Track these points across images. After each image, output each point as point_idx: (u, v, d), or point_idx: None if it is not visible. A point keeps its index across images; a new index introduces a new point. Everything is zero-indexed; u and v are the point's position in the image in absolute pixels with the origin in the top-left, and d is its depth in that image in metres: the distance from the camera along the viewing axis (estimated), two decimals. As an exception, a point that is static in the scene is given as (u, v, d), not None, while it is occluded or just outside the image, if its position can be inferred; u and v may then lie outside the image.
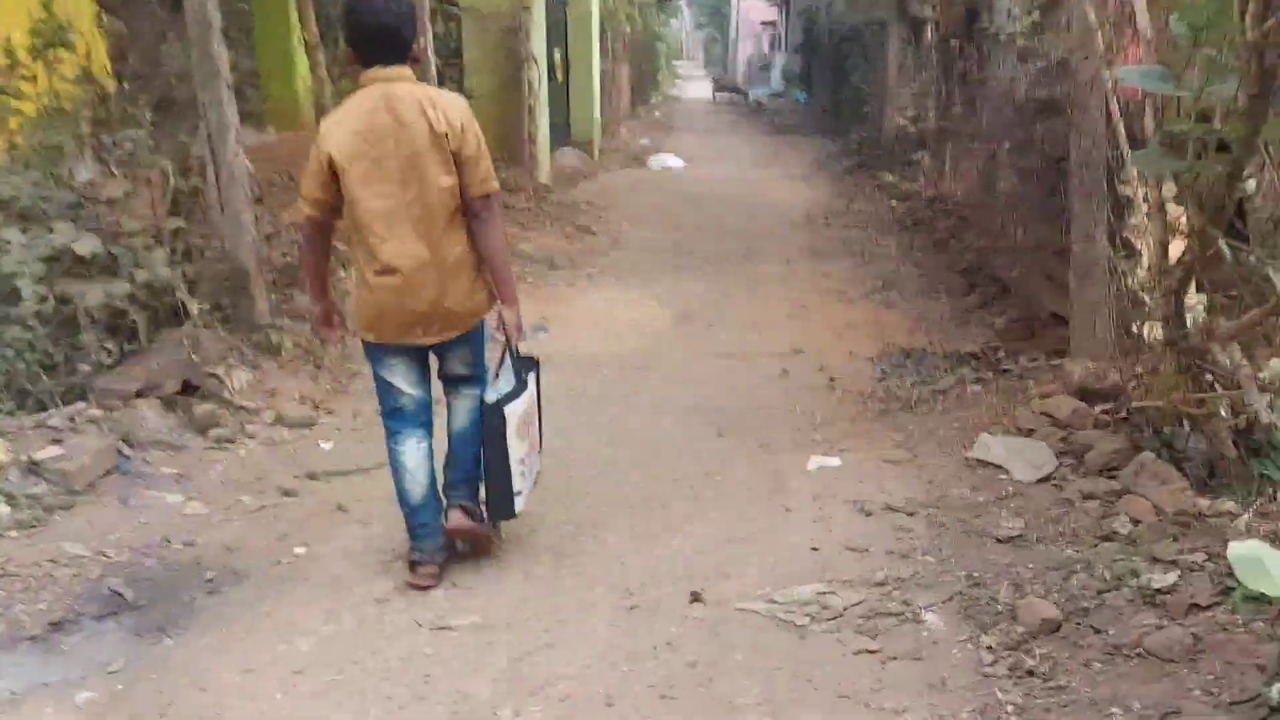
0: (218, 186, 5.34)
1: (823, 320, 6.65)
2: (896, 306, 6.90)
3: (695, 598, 3.24)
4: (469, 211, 3.12)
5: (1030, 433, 4.14)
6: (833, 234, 9.72)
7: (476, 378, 3.40)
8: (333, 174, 3.04)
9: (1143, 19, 3.43)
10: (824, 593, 3.22)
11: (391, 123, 3.00)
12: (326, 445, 4.61)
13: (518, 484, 3.34)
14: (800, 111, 24.91)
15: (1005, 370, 4.93)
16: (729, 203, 11.74)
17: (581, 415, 4.93)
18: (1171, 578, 2.93)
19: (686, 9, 70.72)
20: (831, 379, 5.36)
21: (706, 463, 4.35)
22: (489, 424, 3.27)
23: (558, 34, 13.79)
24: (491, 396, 3.29)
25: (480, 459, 3.36)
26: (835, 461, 4.30)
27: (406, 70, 3.09)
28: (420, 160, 3.01)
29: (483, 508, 3.44)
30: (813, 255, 8.76)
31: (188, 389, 4.80)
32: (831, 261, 8.45)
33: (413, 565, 3.35)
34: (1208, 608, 2.79)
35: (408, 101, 3.01)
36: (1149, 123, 3.45)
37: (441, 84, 10.90)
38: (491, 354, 3.46)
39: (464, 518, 3.36)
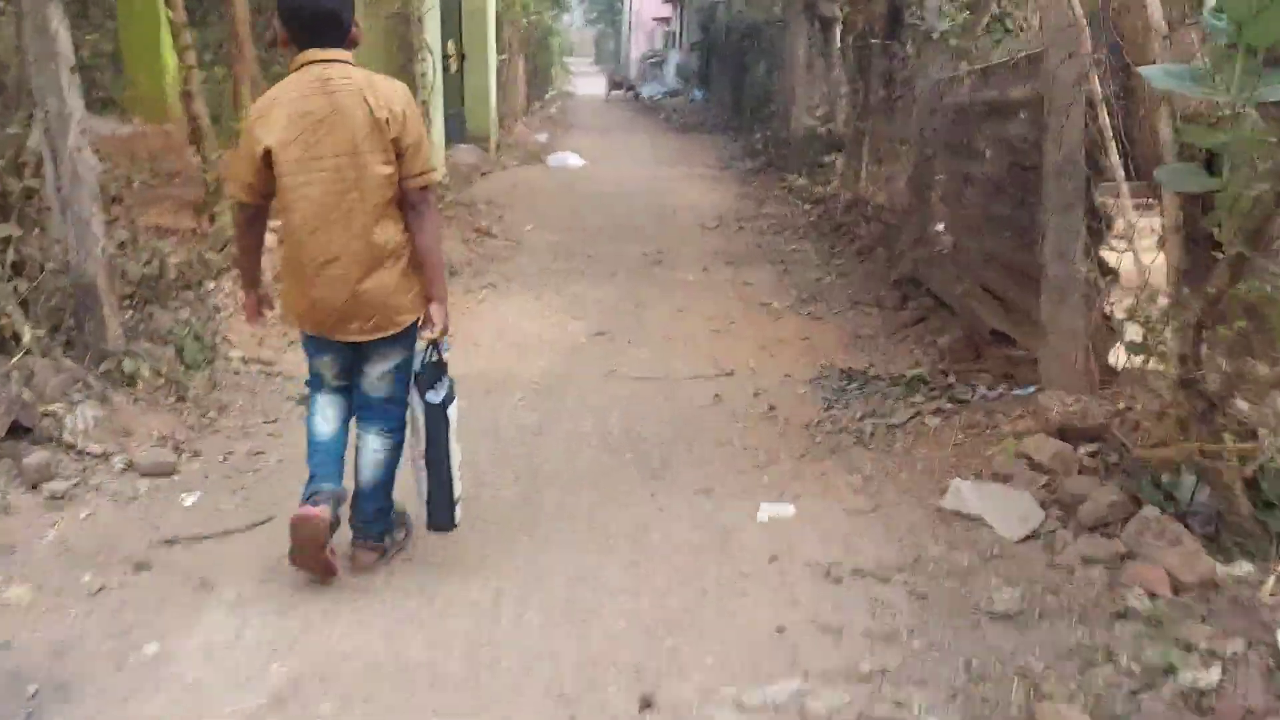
0: (57, 186, 4.52)
1: (750, 336, 6.15)
2: (826, 320, 6.44)
3: (646, 704, 2.66)
4: (406, 202, 3.02)
5: (1008, 479, 3.68)
6: (747, 239, 9.26)
7: (392, 405, 3.26)
8: (265, 159, 2.92)
9: (1155, 12, 2.99)
10: (802, 692, 2.67)
11: (327, 108, 2.88)
12: (189, 499, 3.87)
13: (459, 489, 3.28)
14: (699, 110, 24.51)
15: (962, 400, 4.47)
16: (636, 204, 11.19)
17: (491, 450, 4.31)
18: (1215, 674, 2.49)
19: (577, 4, 70.16)
20: (771, 406, 4.84)
21: (639, 513, 3.78)
22: (432, 426, 3.17)
23: (451, 24, 13.02)
24: (434, 398, 3.17)
25: (385, 510, 3.31)
26: (788, 510, 3.77)
27: (344, 53, 2.98)
28: (357, 148, 2.90)
29: (386, 539, 3.35)
30: (729, 262, 8.27)
31: (17, 432, 4.00)
32: (750, 269, 7.97)
33: (304, 499, 3.14)
34: (1265, 716, 2.34)
35: (345, 86, 2.89)
36: (1164, 130, 3.01)
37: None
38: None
39: (368, 559, 3.30)
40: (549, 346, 5.89)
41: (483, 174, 12.65)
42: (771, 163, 13.61)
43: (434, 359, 3.18)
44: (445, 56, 12.19)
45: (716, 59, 24.59)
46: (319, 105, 2.89)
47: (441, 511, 3.30)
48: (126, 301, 5.02)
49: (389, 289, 3.03)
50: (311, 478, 3.19)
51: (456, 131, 13.26)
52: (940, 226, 6.05)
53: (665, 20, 41.86)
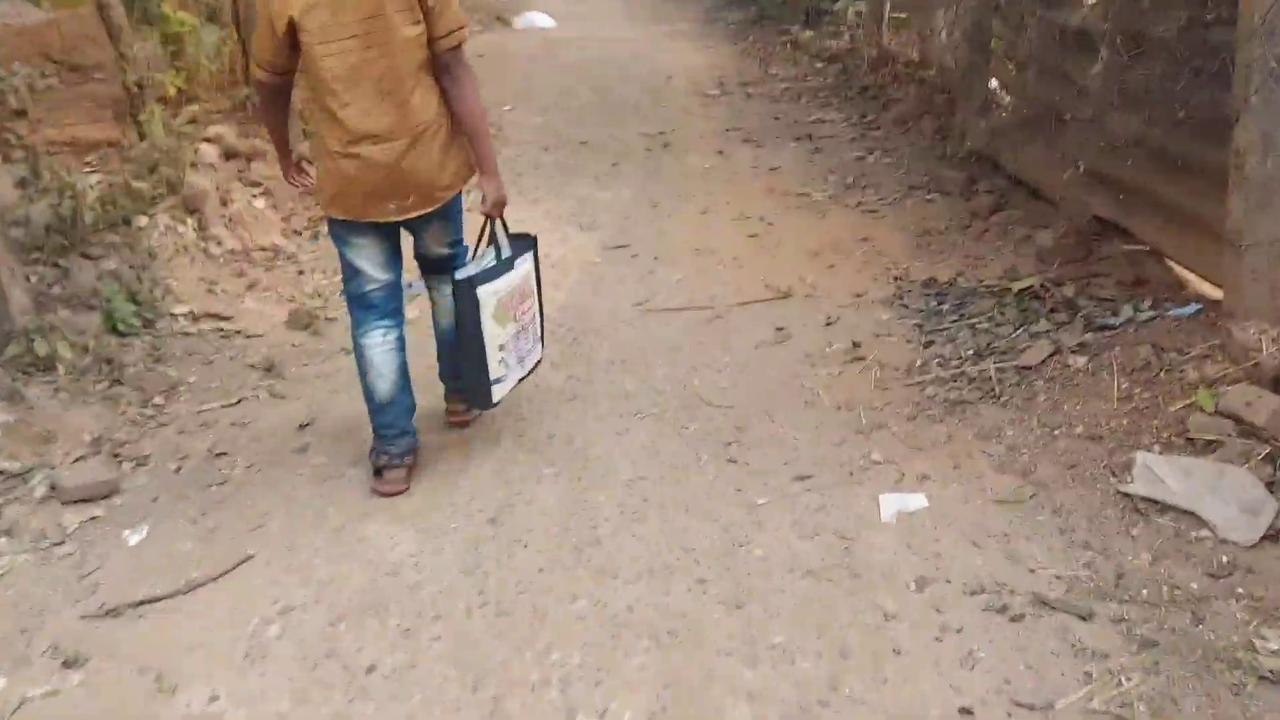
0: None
1: (795, 240, 5.17)
2: (881, 213, 5.45)
3: None
4: (438, 66, 2.85)
5: (1212, 447, 2.81)
6: (759, 109, 8.12)
7: (458, 256, 3.16)
8: (288, 30, 2.74)
9: None
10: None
11: None
12: (135, 536, 2.95)
13: (495, 370, 3.09)
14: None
15: (1108, 327, 3.55)
16: (623, 71, 9.94)
17: (513, 434, 3.39)
18: None
19: None
20: (854, 343, 3.91)
21: (726, 518, 2.90)
22: (460, 303, 2.99)
23: None
24: (464, 273, 2.99)
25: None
26: (919, 502, 2.90)
27: None
28: (383, 8, 2.71)
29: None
30: (747, 140, 7.18)
31: (-105, 460, 3.05)
32: (773, 149, 6.90)
33: (378, 471, 3.08)
34: None
35: None
36: None
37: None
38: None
39: (460, 410, 3.37)
40: (560, 271, 4.89)
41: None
42: (765, 13, 12.26)
43: (497, 233, 3.04)
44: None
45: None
46: None
47: (477, 391, 3.14)
48: (34, 257, 3.98)
49: (429, 164, 2.86)
50: (380, 436, 3.07)
51: None
52: (1006, 92, 5.00)
53: None
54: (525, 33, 12.50)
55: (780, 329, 4.13)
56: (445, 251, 3.13)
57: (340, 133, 2.80)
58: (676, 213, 5.74)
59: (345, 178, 2.84)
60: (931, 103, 6.55)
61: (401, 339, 3.10)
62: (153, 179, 4.83)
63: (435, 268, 3.17)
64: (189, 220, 4.82)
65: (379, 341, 3.04)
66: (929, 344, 3.78)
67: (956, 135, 5.86)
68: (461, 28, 2.84)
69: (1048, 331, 3.62)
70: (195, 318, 4.26)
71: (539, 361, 3.37)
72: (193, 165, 5.10)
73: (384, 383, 3.04)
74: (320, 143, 2.89)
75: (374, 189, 2.84)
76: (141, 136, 5.24)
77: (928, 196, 5.56)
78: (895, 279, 4.52)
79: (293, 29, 2.73)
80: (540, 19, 13.10)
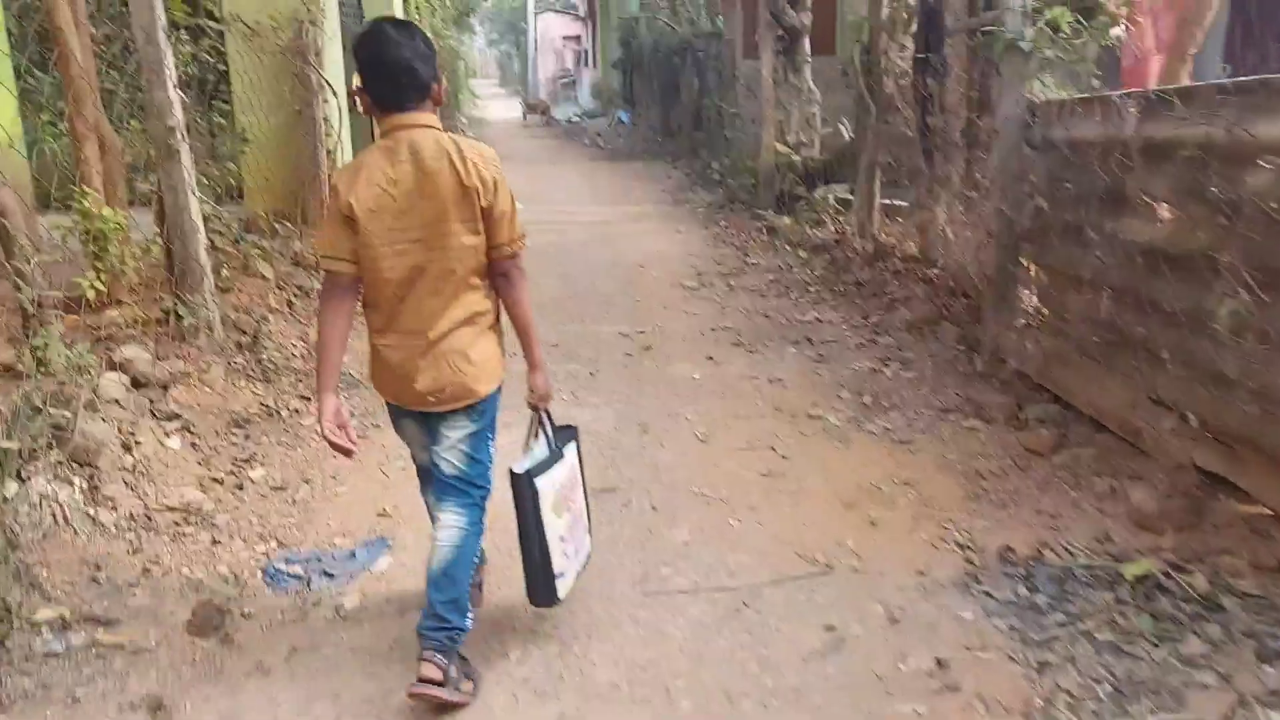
0: None
1: (821, 483, 4.31)
2: (916, 445, 4.62)
3: None
4: (496, 271, 2.87)
5: None
6: (745, 304, 7.44)
7: (465, 483, 2.96)
8: (352, 226, 2.74)
9: None
10: None
11: (416, 174, 2.71)
12: None
13: (559, 564, 3.01)
14: (627, 134, 22.77)
15: (1281, 651, 2.68)
16: (591, 259, 9.34)
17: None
18: None
19: (478, 26, 68.22)
20: (939, 662, 2.97)
21: None
22: (519, 496, 2.96)
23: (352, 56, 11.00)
24: (520, 466, 2.94)
25: (459, 602, 2.85)
26: None
27: (430, 115, 2.78)
28: (445, 216, 2.74)
29: (451, 671, 2.80)
30: (737, 344, 6.44)
31: None
32: (770, 355, 6.16)
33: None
34: None
35: (433, 151, 2.72)
36: None
37: (211, 127, 8.01)
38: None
39: (433, 673, 2.76)
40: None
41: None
42: (735, 197, 11.87)
43: (545, 425, 3.05)
44: (350, 95, 10.22)
45: (641, 78, 22.90)
46: (407, 174, 2.72)
47: (541, 588, 3.06)
48: None
49: (469, 360, 2.85)
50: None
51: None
52: (1049, 305, 4.30)
53: (575, 39, 40.22)
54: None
55: (831, 628, 3.20)
56: (464, 468, 2.96)
57: (388, 324, 2.85)
58: (670, 440, 4.89)
59: (388, 364, 2.88)
60: (948, 307, 5.87)
61: (476, 524, 3.03)
62: (34, 426, 3.89)
63: (442, 488, 2.99)
64: (76, 479, 3.86)
65: (443, 525, 2.98)
66: (1042, 667, 2.86)
67: (988, 349, 5.14)
68: (522, 237, 2.88)
69: (1204, 656, 2.73)
70: (65, 625, 3.23)
71: (589, 555, 3.35)
72: (90, 405, 4.19)
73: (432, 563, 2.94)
74: (371, 334, 2.93)
75: (416, 379, 2.84)
76: (40, 364, 4.32)
77: (966, 423, 4.76)
78: (960, 546, 3.65)
79: (354, 225, 2.74)
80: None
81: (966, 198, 5.63)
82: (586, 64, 36.86)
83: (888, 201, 7.85)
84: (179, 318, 5.32)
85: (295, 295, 6.88)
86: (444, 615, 2.80)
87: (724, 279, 8.27)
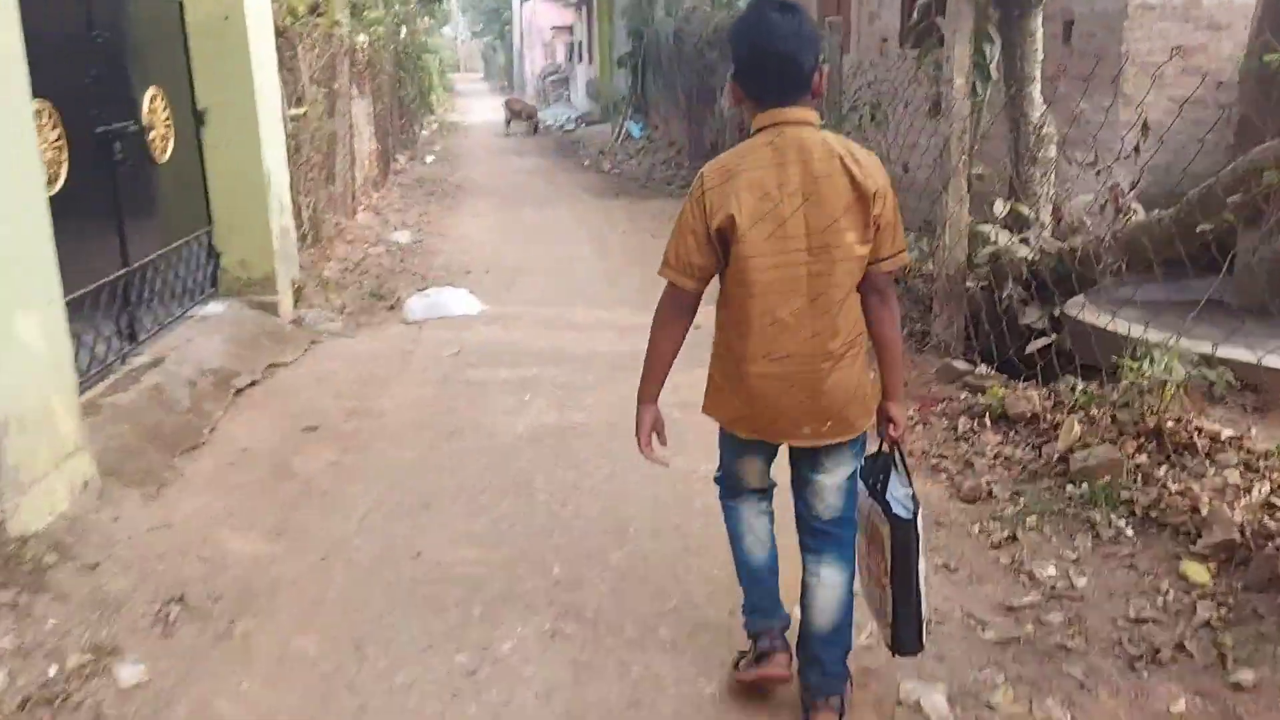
0: None
1: None
2: None
3: None
4: (873, 287, 2.52)
5: None
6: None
7: (849, 527, 2.66)
8: (720, 235, 2.44)
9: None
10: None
11: (806, 178, 2.40)
12: None
13: (926, 611, 2.65)
14: (640, 153, 17.41)
15: None
16: (604, 482, 4.15)
17: None
18: None
19: (460, 15, 62.86)
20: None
21: None
22: (900, 544, 2.55)
23: (162, 60, 5.85)
24: (901, 511, 2.56)
25: (848, 651, 2.68)
26: None
27: (812, 111, 2.47)
28: (837, 224, 2.41)
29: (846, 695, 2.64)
30: None
31: None
32: None
33: (759, 656, 2.70)
34: None
35: (822, 151, 2.41)
36: None
37: None
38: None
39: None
40: None
41: (252, 381, 5.51)
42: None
43: (896, 463, 2.65)
44: (141, 128, 5.08)
45: (657, 79, 17.62)
46: (795, 176, 2.40)
47: (908, 637, 2.61)
48: None
49: (851, 387, 2.52)
50: (754, 611, 2.75)
51: (192, 277, 6.13)
52: None
53: (567, 29, 34.88)
54: (423, 338, 6.73)
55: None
56: (844, 509, 2.63)
57: (763, 348, 2.48)
58: None
59: (759, 396, 2.51)
60: None
61: (772, 514, 2.79)
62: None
63: (821, 538, 2.63)
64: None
65: (751, 514, 2.75)
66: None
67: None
68: (905, 250, 2.53)
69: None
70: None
71: None
72: None
73: (760, 549, 2.74)
74: (728, 359, 2.55)
75: (792, 410, 2.51)
76: None
77: None
78: None
79: (723, 234, 2.43)
80: (456, 301, 7.34)
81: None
82: (580, 58, 31.53)
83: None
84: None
85: None
86: (841, 668, 2.65)
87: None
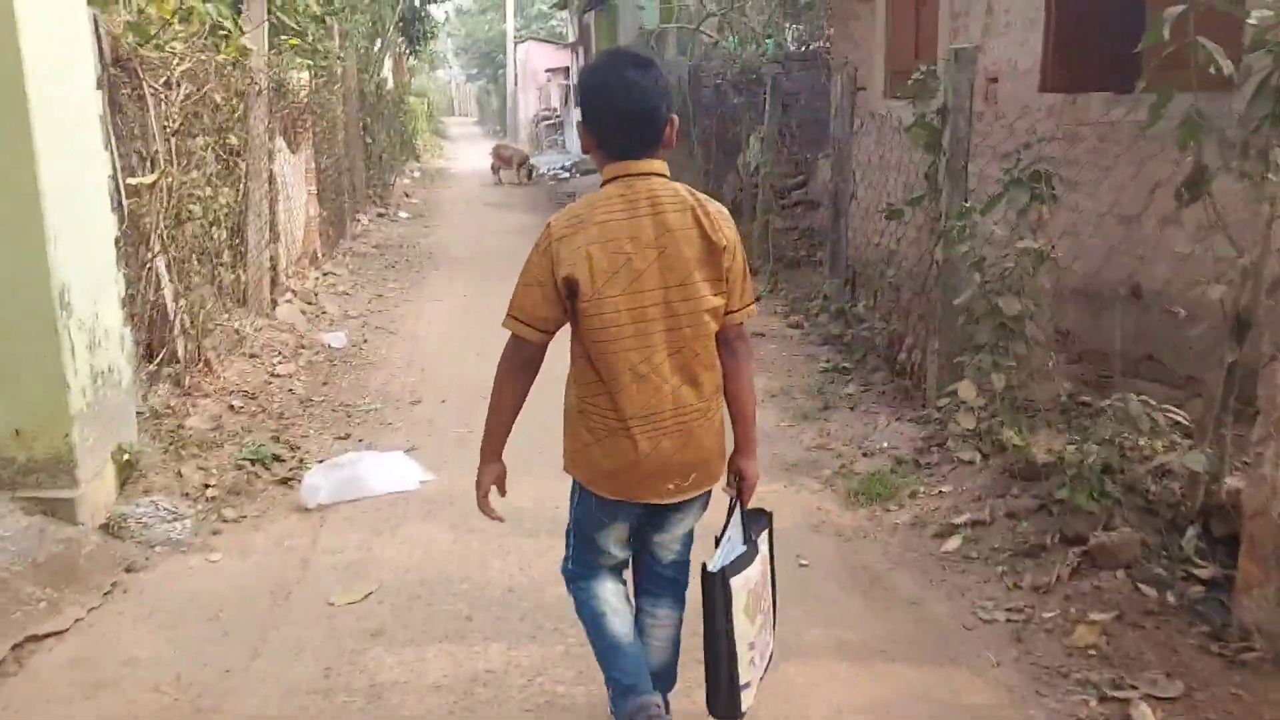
0: None
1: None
2: None
3: None
4: (723, 340, 2.53)
5: None
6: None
7: (682, 572, 2.71)
8: (569, 286, 2.35)
9: None
10: None
11: (658, 229, 2.36)
12: None
13: (745, 675, 2.60)
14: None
15: None
16: None
17: None
18: None
19: (452, 57, 60.96)
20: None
21: None
22: (710, 597, 2.54)
23: None
24: (715, 564, 2.55)
25: (672, 678, 2.73)
26: None
27: (662, 162, 2.43)
28: (692, 277, 2.39)
29: None
30: None
31: None
32: None
33: None
34: None
35: (674, 203, 2.38)
36: None
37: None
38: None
39: None
40: None
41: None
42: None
43: (743, 514, 2.65)
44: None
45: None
46: (648, 227, 2.36)
47: (723, 699, 2.59)
48: None
49: (713, 440, 2.52)
50: (630, 690, 2.52)
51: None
52: None
53: (562, 71, 32.66)
54: (316, 541, 4.15)
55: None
56: (683, 555, 2.69)
57: (629, 407, 2.41)
58: None
59: (625, 456, 2.43)
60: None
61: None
62: None
63: (661, 583, 2.70)
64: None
65: (612, 589, 2.65)
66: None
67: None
68: (754, 302, 2.55)
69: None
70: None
71: (773, 655, 2.80)
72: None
73: (620, 621, 2.61)
74: (593, 414, 2.46)
75: (659, 467, 2.45)
76: None
77: None
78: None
79: (573, 288, 2.35)
80: (382, 473, 4.73)
81: None
82: (575, 102, 29.27)
83: None
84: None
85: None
86: (667, 707, 2.63)
87: None
